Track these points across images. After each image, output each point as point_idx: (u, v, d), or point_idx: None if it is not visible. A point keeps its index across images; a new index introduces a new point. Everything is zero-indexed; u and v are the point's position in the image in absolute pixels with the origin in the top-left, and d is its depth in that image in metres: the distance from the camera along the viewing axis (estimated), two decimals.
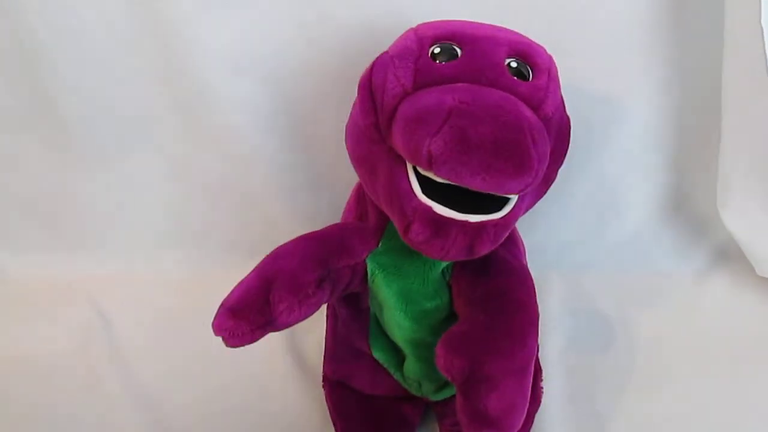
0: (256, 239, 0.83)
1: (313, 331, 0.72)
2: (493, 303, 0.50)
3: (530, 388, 0.49)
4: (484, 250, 0.44)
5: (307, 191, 0.80)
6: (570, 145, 0.52)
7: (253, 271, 0.50)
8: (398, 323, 0.55)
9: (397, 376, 0.61)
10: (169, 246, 0.86)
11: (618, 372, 0.70)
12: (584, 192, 0.81)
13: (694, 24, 0.69)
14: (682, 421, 0.64)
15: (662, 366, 0.70)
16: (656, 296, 0.79)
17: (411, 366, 0.58)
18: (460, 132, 0.39)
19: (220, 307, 0.48)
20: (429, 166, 0.40)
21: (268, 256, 0.51)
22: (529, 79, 0.47)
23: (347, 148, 0.52)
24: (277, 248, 0.52)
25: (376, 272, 0.53)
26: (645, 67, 0.72)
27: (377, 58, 0.49)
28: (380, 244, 0.53)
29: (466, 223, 0.42)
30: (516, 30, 0.51)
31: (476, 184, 0.39)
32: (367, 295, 0.57)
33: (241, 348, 0.72)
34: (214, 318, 0.48)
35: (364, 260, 0.53)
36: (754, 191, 0.70)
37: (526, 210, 0.50)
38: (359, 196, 0.58)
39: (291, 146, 0.77)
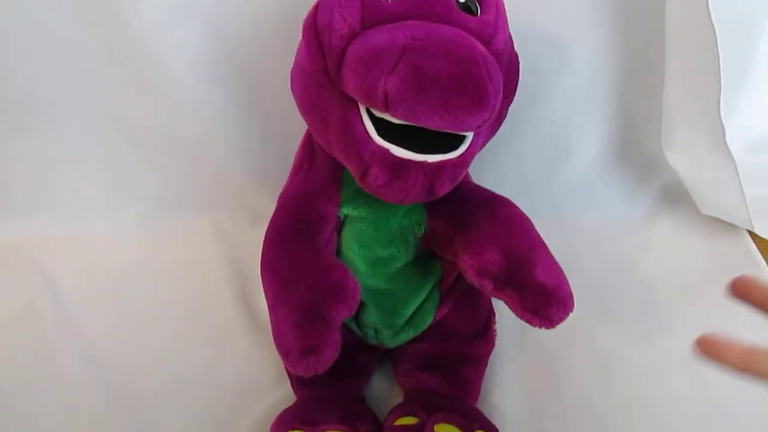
0: (205, 193, 0.83)
1: None
2: (484, 210, 0.52)
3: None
4: (444, 190, 0.44)
5: (255, 142, 0.79)
6: (518, 86, 0.52)
7: (277, 309, 0.49)
8: (355, 269, 0.55)
9: (351, 324, 0.61)
10: (117, 204, 0.83)
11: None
12: (532, 137, 0.81)
13: None
14: (632, 357, 0.66)
15: (610, 306, 0.71)
16: (605, 239, 0.80)
17: (368, 313, 0.58)
18: (416, 69, 0.38)
19: (287, 355, 0.47)
20: (385, 107, 0.39)
21: (274, 284, 0.50)
22: (477, 15, 0.46)
23: (294, 95, 0.51)
24: (271, 273, 0.50)
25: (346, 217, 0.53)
26: (591, 12, 0.72)
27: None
28: (342, 195, 0.52)
29: (424, 163, 0.42)
30: None
31: (434, 122, 0.39)
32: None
33: (193, 305, 0.72)
34: (290, 366, 0.47)
35: (338, 216, 0.53)
36: (696, 128, 0.71)
37: (482, 147, 0.50)
38: (307, 145, 0.56)
39: (236, 95, 0.75)
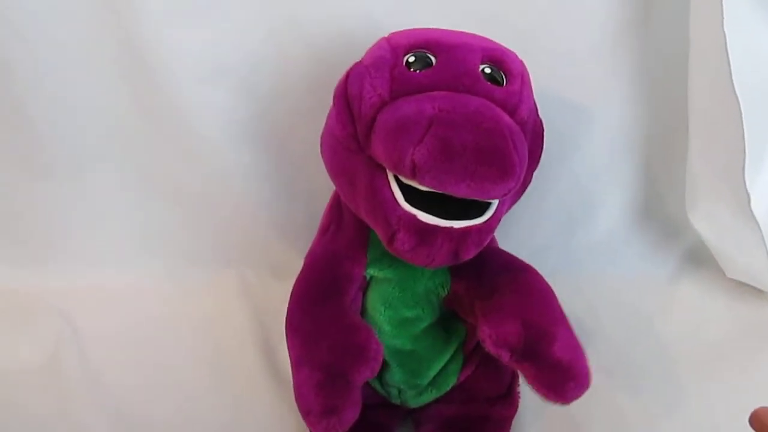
0: (230, 250, 0.83)
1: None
2: (505, 277, 0.52)
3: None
4: (469, 255, 0.45)
5: (282, 201, 0.80)
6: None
7: (299, 368, 0.50)
8: (380, 328, 0.55)
9: (374, 383, 0.61)
10: (141, 258, 0.84)
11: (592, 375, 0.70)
12: (555, 198, 0.82)
13: (660, 31, 0.71)
14: (655, 422, 0.65)
15: (635, 368, 0.70)
16: (628, 300, 0.80)
17: (391, 373, 0.58)
18: (443, 140, 0.40)
19: (308, 414, 0.48)
20: (413, 175, 0.41)
21: (297, 344, 0.51)
22: (503, 85, 0.47)
23: (323, 159, 0.52)
24: (295, 332, 0.51)
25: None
26: (613, 74, 0.74)
27: (351, 68, 0.50)
28: (368, 256, 0.53)
29: (450, 229, 0.43)
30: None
31: (461, 191, 0.40)
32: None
33: (216, 359, 0.73)
34: (310, 426, 0.48)
35: (364, 276, 0.53)
36: (720, 195, 0.71)
37: (507, 211, 0.51)
38: (334, 206, 0.58)
39: (265, 155, 0.77)
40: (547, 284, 0.52)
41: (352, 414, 0.48)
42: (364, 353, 0.49)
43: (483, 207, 0.44)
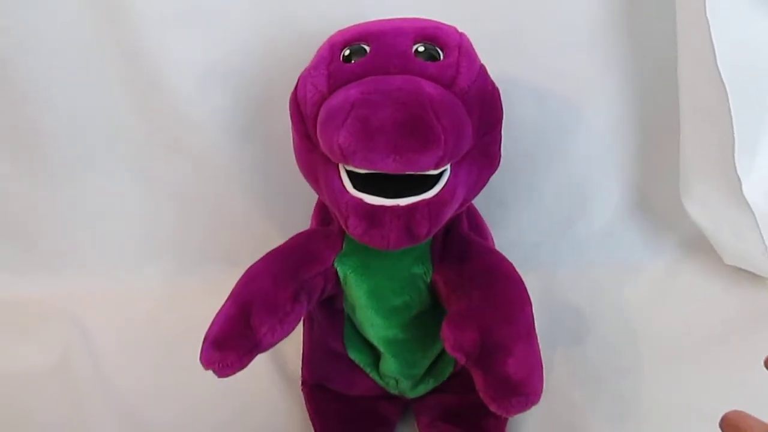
0: (232, 248, 0.85)
1: (291, 336, 0.72)
2: (483, 280, 0.51)
3: (539, 352, 0.50)
4: (423, 230, 0.45)
5: (280, 198, 0.81)
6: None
7: (228, 299, 0.51)
8: (371, 321, 0.56)
9: (373, 375, 0.62)
10: (146, 258, 0.86)
11: (592, 364, 0.71)
12: (551, 191, 0.83)
13: (648, 23, 0.71)
14: (655, 408, 0.65)
15: (635, 356, 0.71)
16: (627, 289, 0.80)
17: (387, 364, 0.59)
18: (362, 120, 0.41)
19: (204, 341, 0.50)
20: (344, 159, 0.42)
21: (240, 280, 0.53)
22: (440, 59, 0.48)
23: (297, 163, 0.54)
24: (248, 271, 0.53)
25: (348, 273, 0.54)
26: (603, 66, 0.74)
27: (300, 75, 0.52)
28: (344, 246, 0.54)
29: (396, 207, 0.44)
30: (465, 30, 0.52)
31: (389, 166, 0.41)
32: (342, 297, 0.58)
33: None
34: (201, 353, 0.49)
35: (333, 264, 0.54)
36: (713, 181, 0.71)
37: (474, 186, 0.51)
38: (322, 203, 0.59)
39: (264, 156, 0.78)
40: (522, 296, 0.51)
41: (237, 359, 0.49)
42: (275, 310, 0.50)
43: (431, 181, 0.45)
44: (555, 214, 0.84)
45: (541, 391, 0.47)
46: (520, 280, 0.52)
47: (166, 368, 0.74)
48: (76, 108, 0.75)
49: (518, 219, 0.84)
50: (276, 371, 0.72)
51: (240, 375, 0.70)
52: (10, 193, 0.81)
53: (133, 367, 0.75)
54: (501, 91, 0.53)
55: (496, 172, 0.54)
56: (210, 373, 0.71)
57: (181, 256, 0.86)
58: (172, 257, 0.86)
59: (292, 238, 0.56)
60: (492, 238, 0.62)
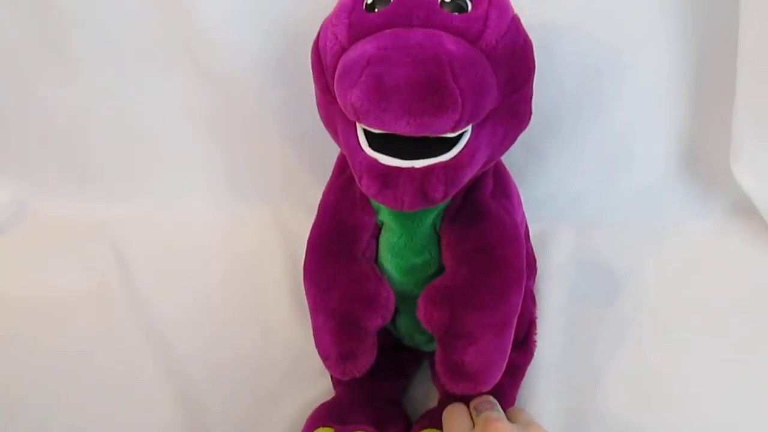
0: (271, 180, 0.87)
1: None
2: (478, 258, 0.50)
3: (510, 344, 0.50)
4: (438, 194, 0.43)
5: (314, 134, 0.79)
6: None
7: (316, 313, 0.53)
8: (388, 276, 0.55)
9: (389, 326, 0.62)
10: (185, 190, 0.88)
11: (619, 326, 0.69)
12: (595, 142, 0.79)
13: None
14: (677, 376, 0.63)
15: (665, 320, 0.69)
16: (666, 250, 0.78)
17: (402, 319, 0.59)
18: (376, 78, 0.38)
19: (326, 359, 0.52)
20: (357, 118, 0.40)
21: (309, 290, 0.54)
22: (467, 11, 0.45)
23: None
24: (311, 280, 0.54)
25: (384, 223, 0.54)
26: (658, 15, 0.69)
27: (322, 23, 0.49)
28: (374, 204, 0.53)
29: (411, 169, 0.42)
30: None
31: (402, 128, 0.39)
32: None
33: (252, 294, 0.75)
34: (329, 370, 0.52)
35: (377, 222, 0.54)
36: (765, 147, 0.67)
37: (498, 147, 0.48)
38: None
39: (300, 95, 0.76)
40: (510, 285, 0.50)
41: (367, 359, 0.51)
42: (374, 302, 0.51)
43: (450, 143, 0.43)
44: (596, 168, 0.81)
45: (494, 383, 0.48)
46: (519, 267, 0.51)
47: (197, 294, 0.77)
48: (123, 45, 0.76)
49: (557, 169, 0.81)
50: (301, 311, 0.73)
51: (267, 310, 0.73)
52: (59, 116, 0.84)
53: (165, 291, 0.77)
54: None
55: (533, 121, 0.51)
56: (234, 304, 0.74)
57: (219, 189, 0.88)
58: (210, 190, 0.89)
59: (324, 218, 0.55)
60: (519, 201, 0.60)
